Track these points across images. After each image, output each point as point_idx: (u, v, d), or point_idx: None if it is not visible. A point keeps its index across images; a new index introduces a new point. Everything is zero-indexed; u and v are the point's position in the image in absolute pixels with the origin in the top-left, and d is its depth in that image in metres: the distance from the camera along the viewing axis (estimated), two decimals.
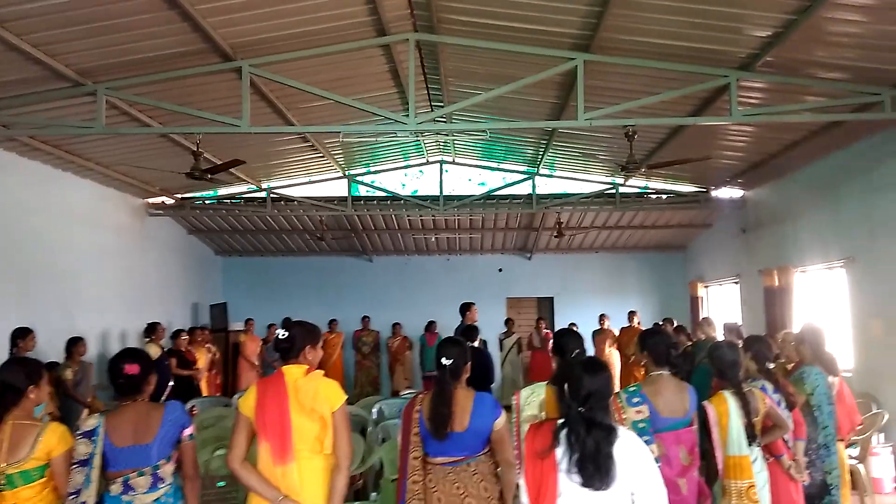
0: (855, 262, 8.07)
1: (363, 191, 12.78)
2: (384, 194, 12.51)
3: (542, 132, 10.01)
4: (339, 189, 12.43)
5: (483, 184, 13.23)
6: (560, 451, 2.54)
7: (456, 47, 7.27)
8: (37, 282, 8.29)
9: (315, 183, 12.32)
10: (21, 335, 6.79)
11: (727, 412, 3.85)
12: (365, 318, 13.76)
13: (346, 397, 3.11)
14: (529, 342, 12.72)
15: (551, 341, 5.20)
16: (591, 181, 12.35)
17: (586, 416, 2.54)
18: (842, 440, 4.85)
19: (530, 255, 14.95)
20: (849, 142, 8.05)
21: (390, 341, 13.67)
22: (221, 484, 4.57)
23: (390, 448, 4.84)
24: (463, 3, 6.40)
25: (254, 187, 11.84)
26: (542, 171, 12.10)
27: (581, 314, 13.14)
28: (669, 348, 3.83)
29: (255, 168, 10.70)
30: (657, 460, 3.15)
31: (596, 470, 2.47)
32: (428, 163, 12.78)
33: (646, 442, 3.10)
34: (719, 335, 7.47)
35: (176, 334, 9.68)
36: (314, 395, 3.01)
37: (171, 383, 8.65)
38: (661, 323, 10.65)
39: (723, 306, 12.64)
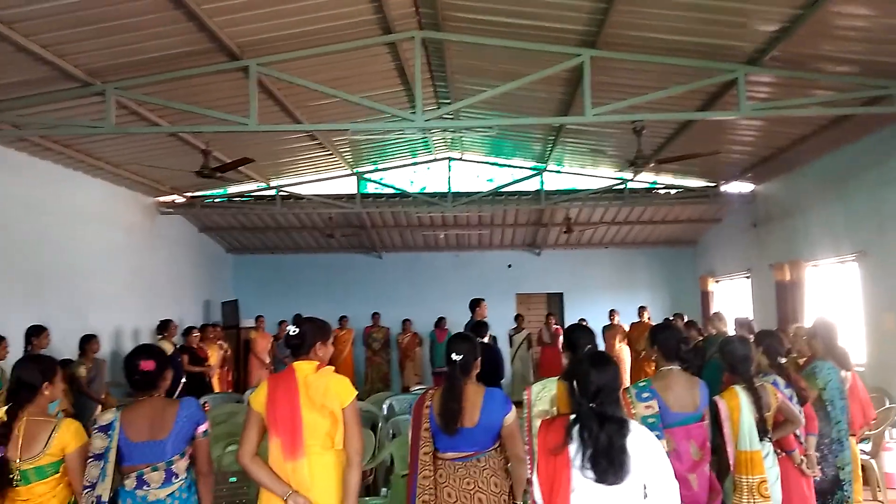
0: (867, 256, 8.03)
1: (372, 188, 12.79)
2: (393, 191, 12.54)
3: (549, 128, 9.98)
4: (348, 186, 12.45)
5: (491, 180, 13.19)
6: (573, 448, 2.55)
7: (462, 44, 7.25)
8: (49, 280, 8.36)
9: (324, 180, 12.34)
10: (35, 333, 6.86)
11: (738, 407, 3.83)
12: (375, 315, 13.79)
13: (356, 393, 3.12)
14: (539, 338, 12.68)
15: (561, 337, 5.19)
16: (599, 177, 12.29)
17: (597, 410, 2.54)
18: (854, 435, 4.83)
19: (539, 251, 14.92)
20: (858, 136, 8.01)
21: (400, 337, 13.70)
22: (233, 480, 4.60)
23: (401, 444, 4.85)
24: (468, 1, 6.39)
25: (263, 185, 11.88)
26: (550, 167, 12.08)
27: (591, 310, 13.07)
28: (680, 343, 3.82)
29: (264, 166, 10.73)
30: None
31: (609, 464, 2.47)
32: (436, 159, 12.77)
33: (656, 437, 3.10)
34: (730, 330, 7.44)
35: (188, 331, 9.72)
36: (325, 391, 3.02)
37: (184, 380, 8.70)
38: (671, 318, 10.60)
39: (734, 301, 12.58)
